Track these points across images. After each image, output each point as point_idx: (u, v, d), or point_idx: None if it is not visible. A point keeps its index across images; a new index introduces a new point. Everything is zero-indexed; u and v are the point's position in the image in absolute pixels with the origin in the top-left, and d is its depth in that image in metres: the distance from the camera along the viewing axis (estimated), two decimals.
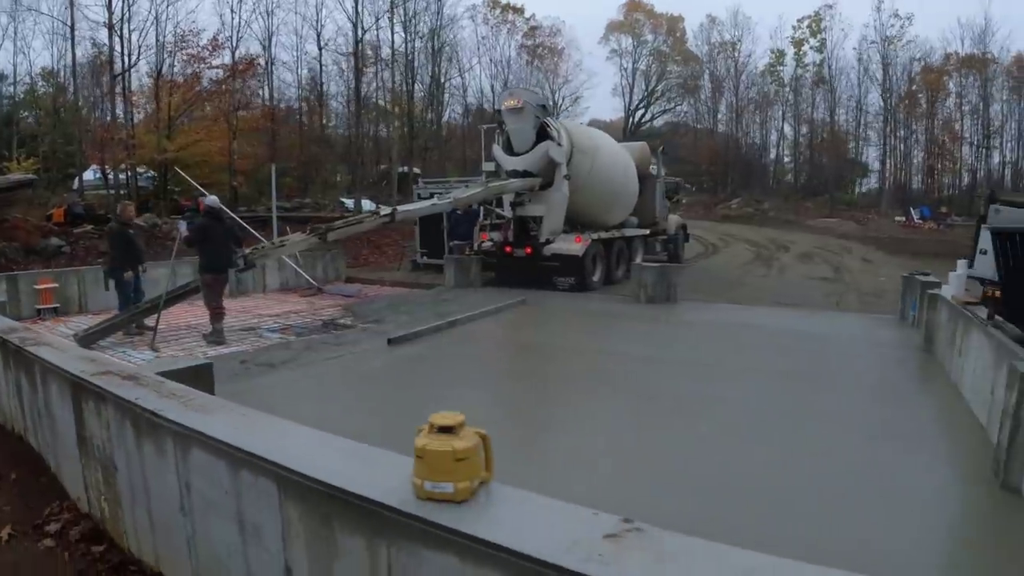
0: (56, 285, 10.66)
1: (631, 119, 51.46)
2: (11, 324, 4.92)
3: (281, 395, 5.89)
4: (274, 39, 32.33)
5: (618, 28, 50.19)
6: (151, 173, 26.00)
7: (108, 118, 25.17)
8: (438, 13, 36.02)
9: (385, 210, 11.45)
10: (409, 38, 34.05)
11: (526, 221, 13.84)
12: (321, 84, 34.27)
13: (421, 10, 34.98)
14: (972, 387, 5.40)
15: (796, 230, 30.42)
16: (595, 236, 13.87)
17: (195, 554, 2.59)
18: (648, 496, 3.68)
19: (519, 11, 45.71)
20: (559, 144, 13.13)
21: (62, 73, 28.99)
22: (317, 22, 32.41)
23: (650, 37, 50.05)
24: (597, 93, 79.94)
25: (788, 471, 4.16)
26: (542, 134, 13.26)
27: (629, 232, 15.67)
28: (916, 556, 3.18)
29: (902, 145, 43.11)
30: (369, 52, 33.07)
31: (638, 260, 16.24)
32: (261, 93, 32.05)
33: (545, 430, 5.30)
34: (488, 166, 14.80)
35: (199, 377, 3.50)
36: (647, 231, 16.67)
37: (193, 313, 10.17)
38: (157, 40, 26.06)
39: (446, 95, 41.35)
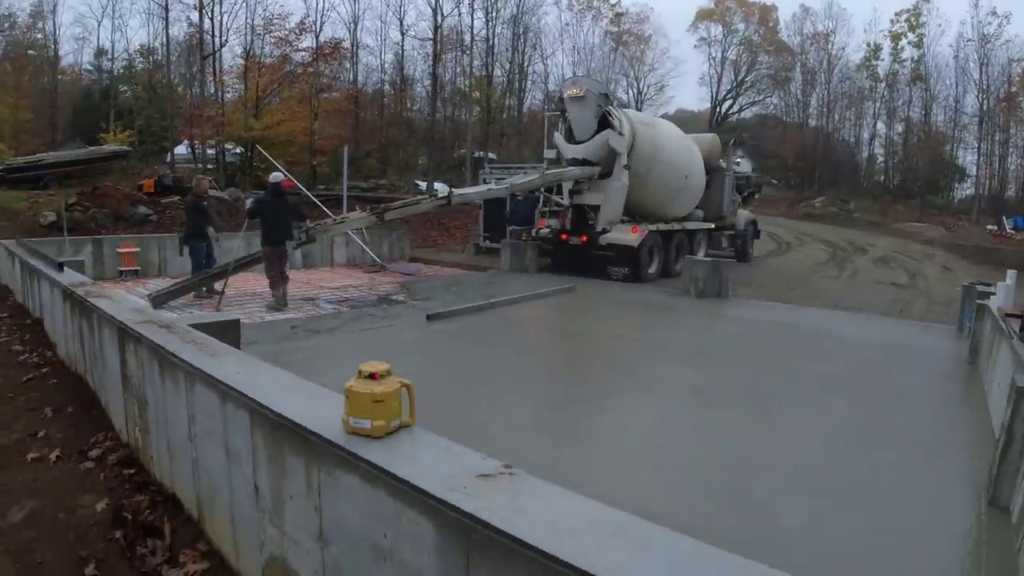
0: (138, 250, 11.68)
1: (718, 109, 50.23)
2: (80, 279, 5.58)
3: (315, 356, 6.39)
4: (359, 24, 33.51)
5: (708, 16, 48.90)
6: (238, 150, 27.55)
7: (199, 96, 26.84)
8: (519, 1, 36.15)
9: (442, 193, 11.84)
10: (490, 23, 34.38)
11: (584, 209, 13.94)
12: (402, 69, 35.17)
13: None
14: (996, 402, 5.22)
15: (880, 233, 28.96)
16: (653, 227, 13.80)
17: (197, 476, 3.00)
18: (660, 490, 3.80)
19: None
20: (620, 133, 13.13)
21: (159, 51, 31.03)
22: (400, 8, 33.15)
23: (741, 26, 48.59)
24: (683, 82, 78.02)
25: (782, 471, 4.17)
26: (604, 123, 13.29)
27: (691, 225, 15.47)
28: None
29: (999, 150, 40.10)
30: (453, 37, 33.82)
31: (700, 254, 16.06)
32: (344, 76, 33.27)
33: (553, 408, 5.50)
34: (549, 153, 14.99)
35: (225, 331, 3.92)
36: (711, 225, 16.39)
37: (260, 282, 10.88)
38: (247, 22, 27.55)
39: (528, 81, 41.60)
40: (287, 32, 28.24)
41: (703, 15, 49.04)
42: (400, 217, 11.50)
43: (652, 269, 13.80)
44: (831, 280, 15.94)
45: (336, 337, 7.17)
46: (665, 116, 53.19)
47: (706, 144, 16.23)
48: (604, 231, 13.43)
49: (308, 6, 39.48)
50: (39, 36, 34.60)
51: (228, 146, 27.79)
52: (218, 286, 9.87)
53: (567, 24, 44.19)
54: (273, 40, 28.18)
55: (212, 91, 26.92)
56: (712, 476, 4.10)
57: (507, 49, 37.03)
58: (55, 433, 4.09)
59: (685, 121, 52.46)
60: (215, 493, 2.81)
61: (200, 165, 25.36)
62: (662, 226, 14.23)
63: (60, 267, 6.09)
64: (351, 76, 34.40)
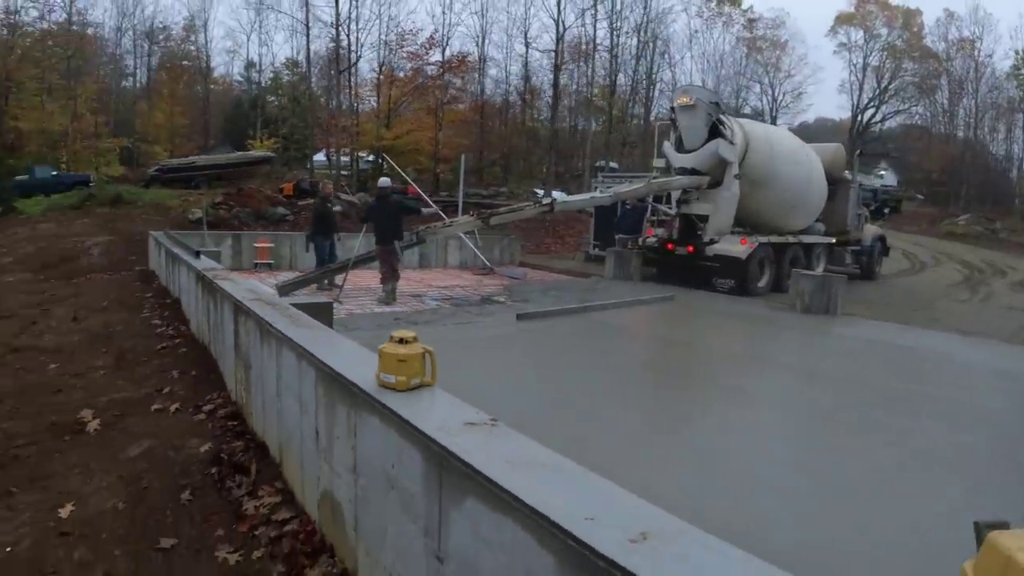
0: (272, 245, 13.04)
1: (859, 119, 47.11)
2: (212, 264, 6.51)
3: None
4: (487, 38, 34.86)
5: (847, 20, 46.08)
6: (371, 157, 29.58)
7: (336, 107, 29.13)
8: (645, 8, 35.99)
9: (545, 200, 12.23)
10: (614, 33, 34.52)
11: (692, 219, 13.80)
12: (526, 80, 36.11)
13: (628, 4, 35.26)
14: None
15: None
16: (764, 239, 13.41)
17: (280, 425, 3.56)
18: (779, 513, 3.60)
19: (736, 2, 43.88)
20: (731, 142, 12.91)
21: (303, 64, 33.96)
22: (525, 21, 34.09)
23: (883, 31, 45.31)
24: (822, 89, 73.54)
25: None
26: (715, 132, 13.13)
27: (808, 238, 14.82)
28: None
29: None
30: (577, 47, 34.33)
31: (819, 270, 15.35)
32: (471, 88, 34.69)
33: (618, 407, 5.66)
34: (659, 162, 14.95)
35: (319, 311, 4.52)
36: (832, 239, 15.62)
37: (376, 277, 11.84)
38: (380, 38, 29.56)
39: (655, 90, 41.25)
40: (418, 47, 29.99)
41: (843, 19, 46.28)
42: (504, 222, 12.01)
43: (762, 283, 13.40)
44: (959, 304, 14.64)
45: (431, 328, 7.74)
46: (803, 124, 50.74)
47: (829, 154, 15.51)
48: (712, 242, 13.24)
49: (436, 22, 41.47)
50: (192, 48, 38.90)
51: (361, 154, 29.91)
52: (338, 279, 10.85)
53: (696, 31, 43.38)
54: (405, 55, 30.04)
55: (348, 103, 29.12)
56: (826, 502, 3.81)
57: (632, 58, 36.94)
58: (178, 391, 4.89)
59: (825, 130, 49.68)
60: (290, 439, 3.35)
61: (335, 171, 27.49)
62: (774, 238, 13.78)
63: (197, 255, 7.11)
64: (478, 88, 35.89)
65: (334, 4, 27.50)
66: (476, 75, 35.40)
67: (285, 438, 3.45)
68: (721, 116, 13.19)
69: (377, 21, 29.72)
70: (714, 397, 6.07)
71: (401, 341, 2.45)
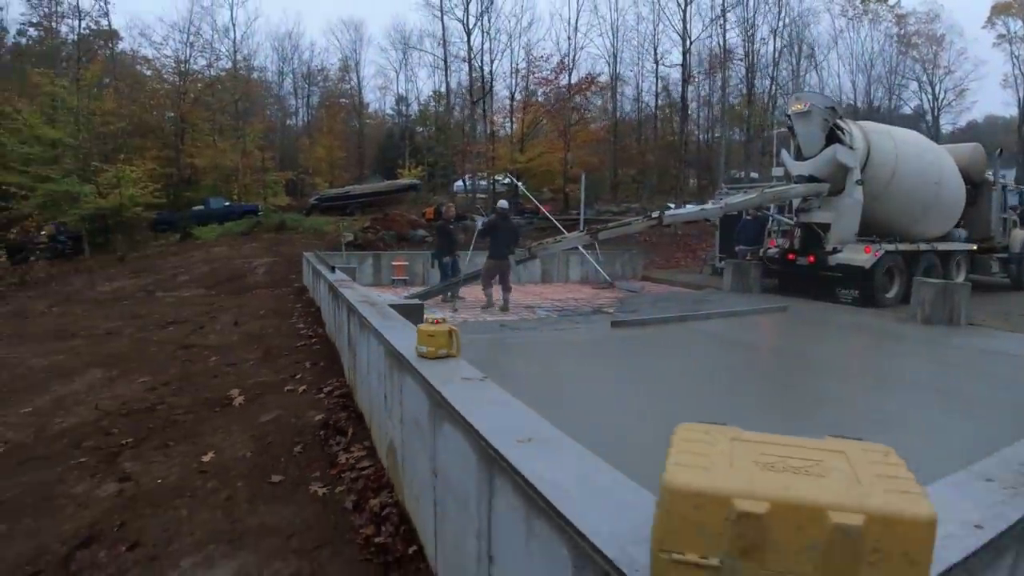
0: (407, 263, 14.54)
1: None
2: (341, 277, 7.78)
3: (499, 343, 7.82)
4: (619, 57, 35.46)
5: (1004, 10, 41.28)
6: (507, 180, 31.14)
7: (471, 135, 31.07)
8: (780, 11, 34.81)
9: (655, 213, 12.58)
10: (747, 40, 33.75)
11: (814, 228, 13.46)
12: (656, 96, 36.22)
13: (762, 10, 34.32)
14: None
15: None
16: (891, 247, 12.79)
17: (368, 396, 4.47)
18: None
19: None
20: (850, 147, 12.53)
21: (448, 96, 36.48)
22: (654, 37, 34.27)
23: None
24: (987, 85, 65.06)
25: None
26: (833, 138, 12.80)
27: (944, 246, 13.87)
28: None
29: None
30: (709, 57, 33.97)
31: (959, 279, 14.28)
32: (602, 106, 35.37)
33: (678, 405, 5.93)
34: (777, 171, 14.74)
35: (411, 312, 5.44)
36: (973, 246, 14.46)
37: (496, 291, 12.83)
38: (512, 66, 31.13)
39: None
40: (548, 72, 31.27)
41: (999, 9, 41.45)
42: (613, 236, 12.52)
43: (891, 293, 12.72)
44: None
45: (528, 333, 8.52)
46: (971, 124, 46.08)
47: (965, 155, 14.43)
48: (834, 251, 12.84)
49: (560, 48, 42.88)
50: (348, 87, 42.95)
51: (498, 177, 31.59)
52: (461, 292, 11.96)
53: (840, 31, 41.06)
54: (536, 80, 31.43)
55: (483, 130, 30.97)
56: None
57: (769, 64, 35.81)
58: (307, 377, 6.04)
59: (996, 128, 44.78)
60: (372, 405, 4.25)
61: (470, 195, 29.30)
62: (904, 246, 13.07)
63: (332, 269, 8.43)
64: (610, 106, 36.54)
65: (466, 38, 29.54)
66: (609, 94, 36.12)
67: (368, 406, 4.36)
68: (838, 121, 12.85)
69: (508, 52, 31.49)
70: (846, 423, 5.57)
71: (434, 323, 3.22)
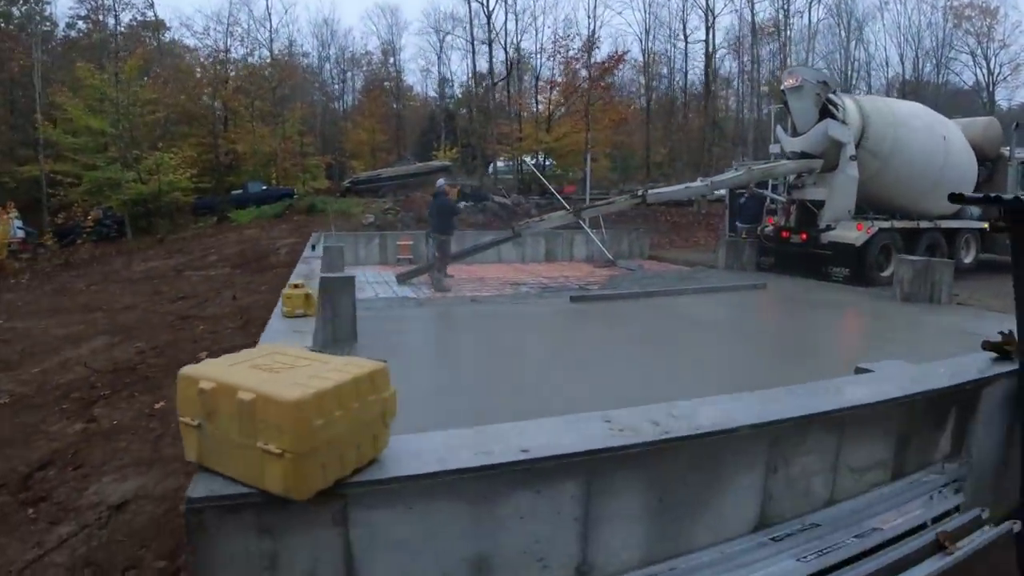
0: (411, 243, 15.29)
1: None
2: (312, 254, 8.55)
3: (453, 311, 8.62)
4: (651, 34, 35.19)
5: None
6: (533, 161, 31.51)
7: (496, 116, 31.55)
8: None
9: (640, 191, 12.91)
10: (781, 12, 33.01)
11: (809, 206, 13.49)
12: (686, 73, 35.86)
13: None
14: None
15: None
16: (887, 225, 12.74)
17: None
18: None
19: None
20: (842, 122, 12.52)
21: (475, 78, 36.97)
22: (683, 13, 33.85)
23: None
24: None
25: None
26: (826, 112, 12.78)
27: (947, 224, 13.68)
28: None
29: None
30: (749, 29, 33.39)
31: (968, 259, 14.14)
32: (634, 84, 35.25)
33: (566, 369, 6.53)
34: (774, 148, 14.79)
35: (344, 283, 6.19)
36: (984, 224, 14.17)
37: (486, 271, 13.49)
38: (536, 46, 31.35)
39: (851, 69, 38.29)
40: (575, 52, 31.40)
41: None
42: (596, 215, 12.96)
43: (886, 272, 12.47)
44: None
45: (487, 306, 9.12)
46: None
47: (978, 130, 14.16)
48: (827, 228, 12.87)
49: (583, 26, 42.94)
50: (391, 70, 43.83)
51: (525, 158, 32.01)
52: (449, 270, 12.63)
53: (886, 2, 39.48)
54: (562, 61, 31.61)
55: (508, 110, 31.42)
56: None
57: (804, 38, 34.90)
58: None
59: None
60: None
61: (494, 176, 29.88)
62: (901, 223, 12.98)
63: (312, 247, 9.26)
64: (641, 86, 36.35)
65: (486, 20, 30.03)
66: (639, 73, 35.96)
67: None
68: (831, 96, 12.79)
69: (533, 30, 31.69)
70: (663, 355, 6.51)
71: (295, 287, 3.93)
